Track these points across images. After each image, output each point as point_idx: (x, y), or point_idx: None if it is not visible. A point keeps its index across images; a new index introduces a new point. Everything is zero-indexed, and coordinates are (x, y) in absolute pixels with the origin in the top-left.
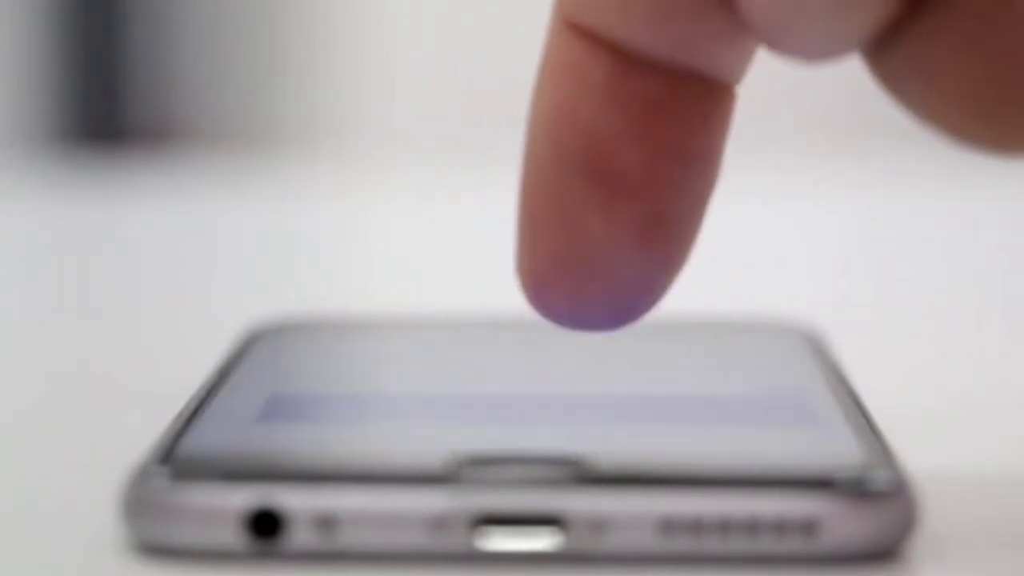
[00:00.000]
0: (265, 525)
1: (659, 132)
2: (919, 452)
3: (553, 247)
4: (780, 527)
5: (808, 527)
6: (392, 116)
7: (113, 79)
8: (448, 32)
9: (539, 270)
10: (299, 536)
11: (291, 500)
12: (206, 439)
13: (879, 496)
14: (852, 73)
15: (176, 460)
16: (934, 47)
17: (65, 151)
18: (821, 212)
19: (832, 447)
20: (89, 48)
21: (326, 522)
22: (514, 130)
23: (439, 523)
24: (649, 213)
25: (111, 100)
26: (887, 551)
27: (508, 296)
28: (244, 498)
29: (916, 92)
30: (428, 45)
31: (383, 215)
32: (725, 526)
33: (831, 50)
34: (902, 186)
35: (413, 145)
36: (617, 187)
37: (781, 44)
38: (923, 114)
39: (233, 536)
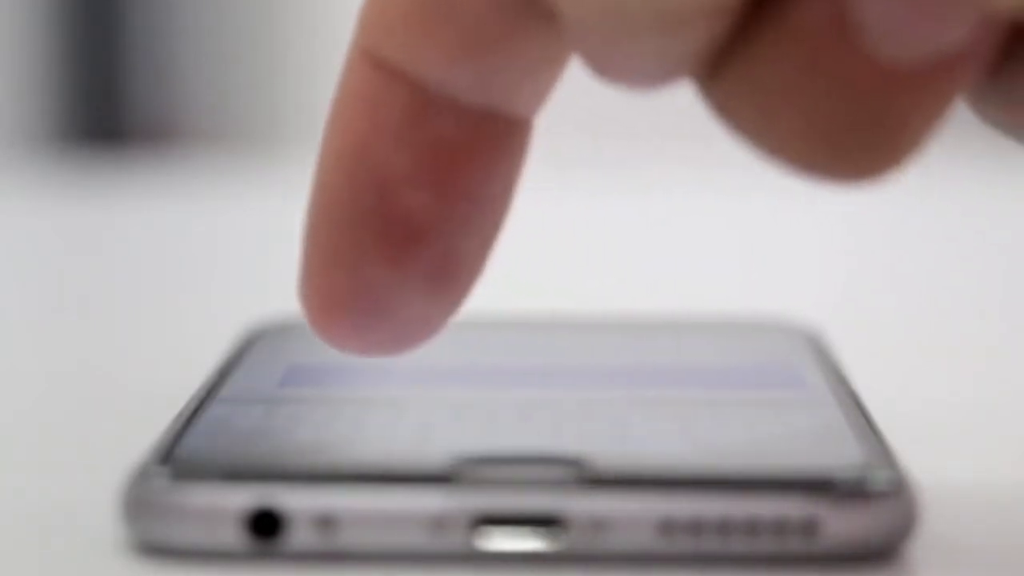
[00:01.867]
0: (265, 525)
1: (451, 175)
2: (919, 452)
3: (336, 286)
4: (780, 527)
5: (808, 527)
6: None
7: (113, 79)
8: None
9: (321, 303)
10: (299, 536)
11: (291, 500)
12: (206, 439)
13: (879, 496)
14: None
15: (176, 460)
16: (767, 73)
17: (65, 151)
18: (822, 212)
19: (832, 447)
20: (89, 48)
21: (326, 522)
22: None
23: (439, 523)
24: (435, 258)
25: (111, 100)
26: (887, 551)
27: (508, 296)
28: (244, 498)
29: (750, 121)
30: None
31: None
32: (725, 526)
33: (657, 74)
34: (903, 186)
35: None
36: (405, 234)
37: (605, 68)
38: (758, 143)
39: (233, 536)
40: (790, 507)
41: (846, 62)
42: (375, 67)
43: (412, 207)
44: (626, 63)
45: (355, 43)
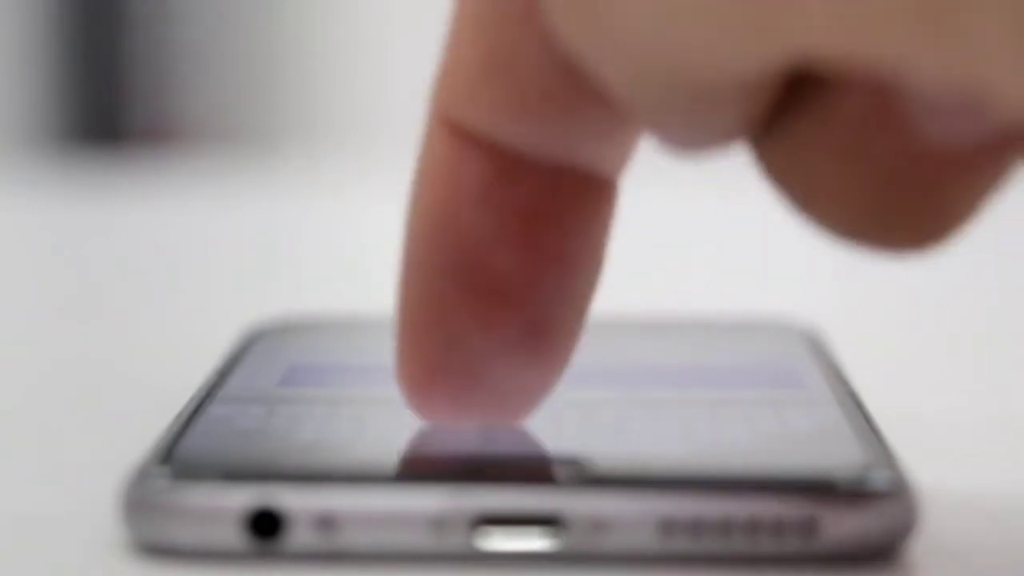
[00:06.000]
0: (265, 525)
1: (537, 237)
2: (919, 452)
3: (430, 355)
4: (780, 527)
5: (808, 527)
6: (392, 116)
7: (113, 79)
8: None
9: (416, 377)
10: (299, 536)
11: (291, 500)
12: (206, 439)
13: (879, 496)
14: None
15: (176, 460)
16: (811, 149)
17: (65, 151)
18: None
19: (832, 447)
20: (89, 48)
21: (326, 522)
22: None
23: (439, 523)
24: (528, 322)
25: (111, 100)
26: (887, 551)
27: None
28: (244, 498)
29: (796, 189)
30: (428, 45)
31: (383, 215)
32: (725, 526)
33: (703, 146)
34: None
35: (413, 145)
36: (495, 298)
37: (660, 138)
38: (804, 211)
39: (233, 536)
40: (790, 507)
41: (890, 147)
42: (452, 133)
43: (500, 270)
44: (671, 139)
45: (431, 110)
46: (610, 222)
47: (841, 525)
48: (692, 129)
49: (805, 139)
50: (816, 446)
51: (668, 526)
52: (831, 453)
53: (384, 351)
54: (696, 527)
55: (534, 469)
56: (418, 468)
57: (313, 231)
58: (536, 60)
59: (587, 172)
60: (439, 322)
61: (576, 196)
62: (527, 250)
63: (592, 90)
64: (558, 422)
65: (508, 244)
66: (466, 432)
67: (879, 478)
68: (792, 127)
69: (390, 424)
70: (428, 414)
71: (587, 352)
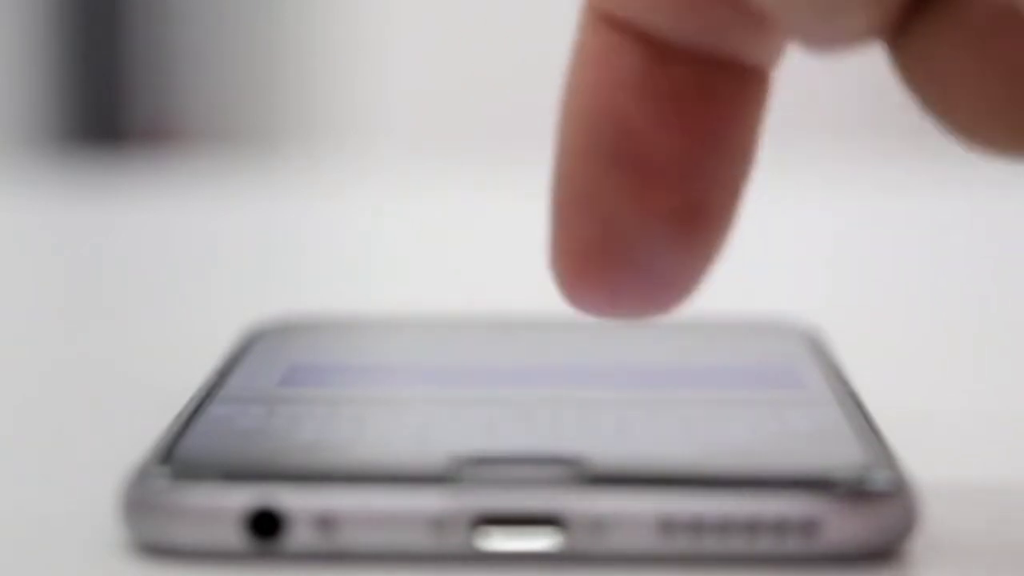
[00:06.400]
0: (265, 525)
1: (692, 120)
2: (919, 452)
3: (586, 237)
4: (780, 527)
5: (808, 527)
6: (392, 116)
7: (113, 79)
8: (448, 31)
9: (572, 260)
10: (299, 536)
11: (291, 500)
12: (206, 439)
13: (879, 496)
14: (853, 73)
15: (176, 460)
16: (944, 48)
17: (65, 151)
18: (821, 212)
19: (832, 447)
20: (89, 48)
21: (326, 522)
22: (513, 129)
23: (439, 523)
24: (682, 203)
25: (111, 100)
26: (887, 551)
27: (508, 295)
28: (244, 498)
29: (928, 90)
30: (428, 45)
31: (383, 214)
32: (725, 526)
33: (838, 45)
34: (903, 186)
35: (413, 145)
36: (650, 176)
37: (791, 33)
38: (934, 112)
39: (233, 536)
40: (790, 507)
41: (1019, 51)
42: (608, 26)
43: (654, 152)
44: (810, 34)
45: (587, 5)
46: (763, 111)
47: (841, 525)
48: (826, 28)
49: (937, 40)
50: (816, 446)
51: (668, 526)
52: (831, 453)
53: (384, 350)
54: (696, 527)
55: (534, 469)
56: (418, 468)
57: (313, 231)
58: None
59: (737, 61)
60: (594, 204)
61: (727, 83)
62: (680, 133)
63: None
64: (558, 422)
65: (661, 127)
66: (466, 431)
67: (879, 478)
68: (924, 28)
69: (390, 424)
70: (581, 301)
71: (587, 352)
